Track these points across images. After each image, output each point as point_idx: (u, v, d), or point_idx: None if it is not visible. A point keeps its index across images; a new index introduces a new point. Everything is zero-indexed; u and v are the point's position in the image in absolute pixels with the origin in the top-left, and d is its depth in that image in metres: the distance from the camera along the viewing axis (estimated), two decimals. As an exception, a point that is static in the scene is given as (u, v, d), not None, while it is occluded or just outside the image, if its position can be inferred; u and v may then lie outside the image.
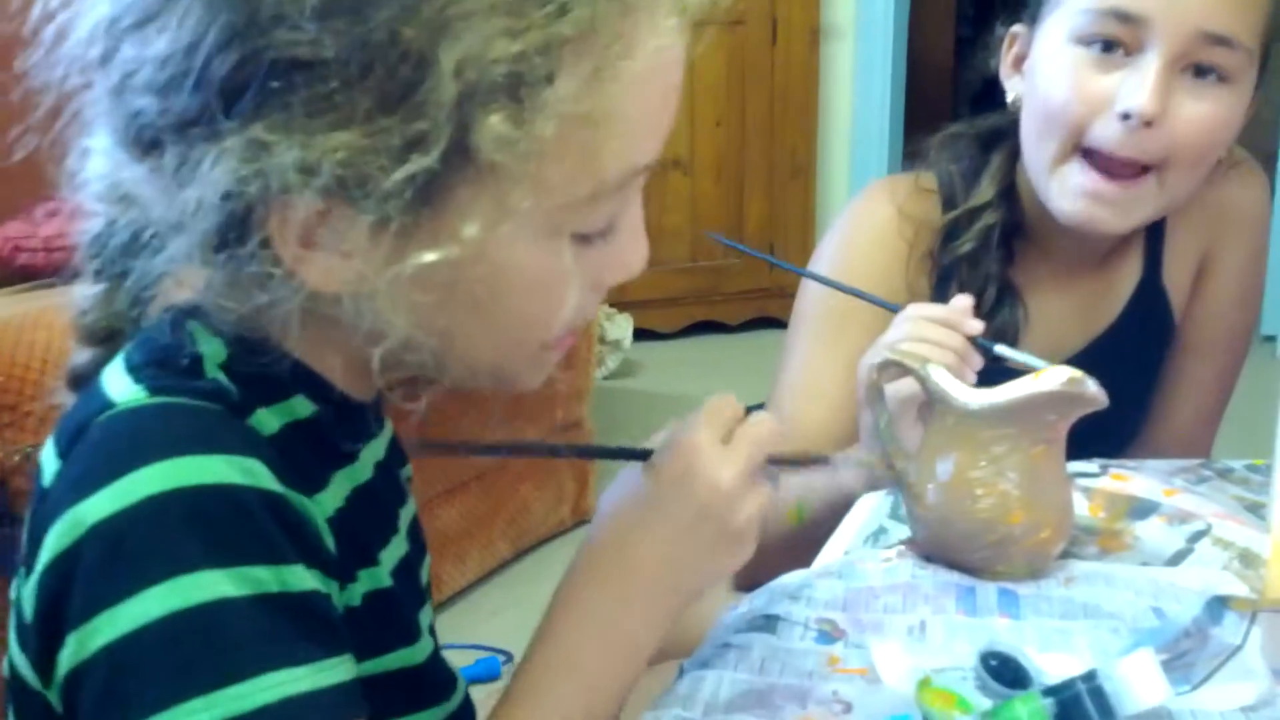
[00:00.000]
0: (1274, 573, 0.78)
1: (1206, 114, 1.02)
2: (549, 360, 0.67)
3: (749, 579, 0.91)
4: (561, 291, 0.61)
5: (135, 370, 0.61)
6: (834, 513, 0.96)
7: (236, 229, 0.56)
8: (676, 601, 0.69)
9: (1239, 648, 0.68)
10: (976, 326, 0.96)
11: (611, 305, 3.27)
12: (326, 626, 0.58)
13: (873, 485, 0.97)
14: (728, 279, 3.66)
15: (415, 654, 0.69)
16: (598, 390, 2.54)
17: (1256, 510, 0.92)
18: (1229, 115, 1.04)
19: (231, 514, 0.55)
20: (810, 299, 1.17)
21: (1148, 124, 1.00)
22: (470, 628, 2.04)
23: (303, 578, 0.57)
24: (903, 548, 0.86)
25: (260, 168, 0.54)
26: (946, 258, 1.13)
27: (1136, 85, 1.01)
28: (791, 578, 0.83)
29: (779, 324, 3.67)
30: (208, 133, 0.54)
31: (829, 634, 0.75)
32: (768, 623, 0.76)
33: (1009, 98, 1.12)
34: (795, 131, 3.68)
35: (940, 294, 1.11)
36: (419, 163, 0.54)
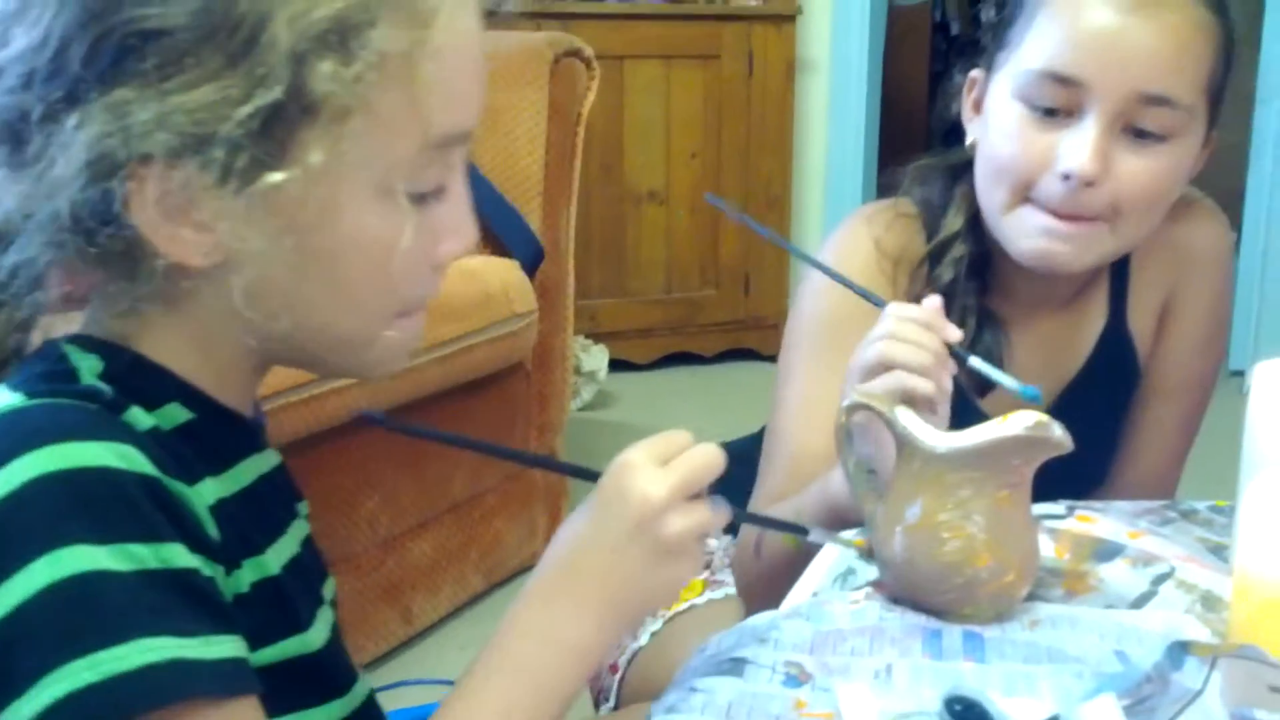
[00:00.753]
0: (1235, 616, 0.79)
1: (1148, 170, 1.03)
2: (397, 340, 0.70)
3: (764, 600, 0.92)
4: (397, 243, 0.66)
5: (14, 387, 0.64)
6: (831, 528, 0.96)
7: (98, 194, 0.60)
8: (622, 613, 0.72)
9: (1199, 693, 0.69)
10: (955, 334, 0.96)
11: (587, 336, 3.27)
12: (211, 603, 0.60)
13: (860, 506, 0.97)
14: (703, 310, 3.67)
15: (309, 641, 0.71)
16: (572, 421, 2.54)
17: (1220, 553, 0.93)
18: (1173, 168, 1.05)
19: (109, 494, 0.58)
20: (803, 323, 1.16)
21: (1089, 184, 1.02)
22: (442, 661, 2.04)
23: (183, 556, 0.59)
24: (870, 589, 0.86)
25: (121, 126, 0.59)
26: (928, 289, 1.13)
27: (1076, 146, 1.02)
28: (759, 619, 0.83)
29: (754, 355, 3.70)
30: (69, 108, 0.59)
31: (796, 677, 0.75)
32: (735, 666, 0.76)
33: (968, 139, 1.13)
34: (771, 164, 3.70)
35: None
36: (263, 98, 0.60)
